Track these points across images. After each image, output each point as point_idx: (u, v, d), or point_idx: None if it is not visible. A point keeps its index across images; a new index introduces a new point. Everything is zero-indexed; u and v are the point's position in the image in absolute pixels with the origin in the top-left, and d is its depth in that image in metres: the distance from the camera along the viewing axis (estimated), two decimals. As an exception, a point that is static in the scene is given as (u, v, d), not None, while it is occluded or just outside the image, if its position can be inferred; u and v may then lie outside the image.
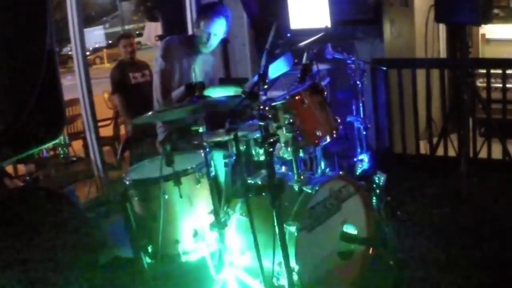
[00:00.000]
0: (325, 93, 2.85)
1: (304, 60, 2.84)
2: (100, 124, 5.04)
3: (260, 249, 2.23)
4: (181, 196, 2.75)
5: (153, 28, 7.06)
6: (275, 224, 2.13)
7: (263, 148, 2.12)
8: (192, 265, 2.88)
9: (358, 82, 3.47)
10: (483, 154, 4.52)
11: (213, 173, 2.65)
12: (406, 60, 4.86)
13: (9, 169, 4.71)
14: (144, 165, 3.13)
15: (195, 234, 2.80)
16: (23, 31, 2.82)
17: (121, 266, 3.38)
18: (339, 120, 2.85)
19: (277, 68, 3.00)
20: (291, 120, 2.55)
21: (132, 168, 3.15)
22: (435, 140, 4.62)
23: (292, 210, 2.48)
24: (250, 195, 2.32)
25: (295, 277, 2.31)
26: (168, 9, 5.52)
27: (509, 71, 4.57)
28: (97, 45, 26.96)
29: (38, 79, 2.87)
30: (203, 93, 2.75)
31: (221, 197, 2.80)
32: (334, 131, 2.77)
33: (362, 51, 4.77)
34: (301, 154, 2.68)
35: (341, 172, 2.83)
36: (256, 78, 2.41)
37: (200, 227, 2.80)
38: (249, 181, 2.69)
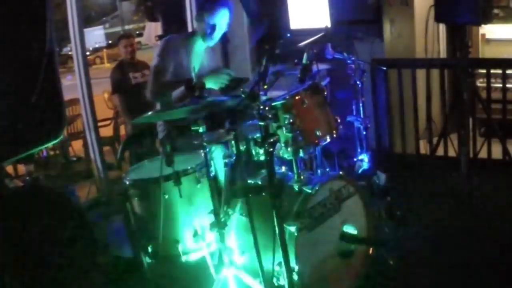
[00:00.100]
0: (325, 93, 2.85)
1: (304, 60, 2.83)
2: (100, 124, 5.04)
3: (260, 249, 2.24)
4: (181, 196, 2.75)
5: (153, 28, 7.05)
6: (275, 224, 2.13)
7: (263, 148, 2.12)
8: (192, 265, 2.87)
9: (358, 82, 3.48)
10: (483, 154, 4.52)
11: (213, 173, 2.65)
12: (406, 60, 4.86)
13: (9, 169, 4.71)
14: (144, 165, 3.13)
15: (195, 234, 2.80)
16: (23, 31, 2.83)
17: (121, 266, 3.38)
18: (339, 120, 2.85)
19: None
20: (291, 120, 2.55)
21: (132, 168, 3.15)
22: (435, 140, 4.62)
23: (292, 210, 2.48)
24: (250, 195, 2.32)
25: (295, 277, 2.32)
26: (168, 9, 5.52)
27: (509, 71, 4.57)
28: (97, 45, 26.97)
29: (38, 79, 2.87)
30: (203, 93, 2.75)
31: (221, 197, 2.80)
32: (334, 131, 2.77)
33: (362, 51, 4.76)
34: (301, 154, 2.68)
35: (341, 172, 2.83)
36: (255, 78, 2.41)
37: (200, 227, 2.80)
38: (249, 181, 2.69)
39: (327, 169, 3.13)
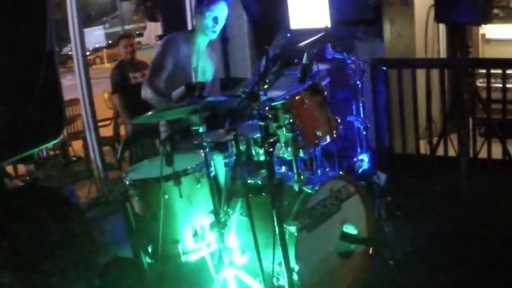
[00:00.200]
0: (325, 93, 2.85)
1: (304, 60, 2.83)
2: (100, 124, 5.04)
3: (260, 249, 2.23)
4: (181, 196, 2.75)
5: (153, 28, 7.05)
6: (275, 224, 2.13)
7: (263, 148, 2.12)
8: (192, 265, 2.87)
9: (358, 82, 3.48)
10: (483, 154, 4.52)
11: (213, 173, 2.65)
12: (406, 60, 4.86)
13: (9, 169, 4.71)
14: (144, 165, 3.13)
15: (195, 234, 2.80)
16: (23, 31, 2.82)
17: (121, 266, 3.37)
18: (339, 120, 2.85)
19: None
20: (291, 120, 2.55)
21: (132, 168, 3.14)
22: (435, 140, 4.62)
23: (292, 210, 2.48)
24: (250, 195, 2.32)
25: (295, 277, 2.31)
26: (168, 9, 5.52)
27: (509, 71, 4.57)
28: (97, 45, 26.98)
29: (38, 79, 2.87)
30: (203, 93, 2.75)
31: (221, 197, 2.80)
32: (334, 131, 2.77)
33: (362, 51, 4.76)
34: (301, 154, 2.68)
35: (341, 172, 2.83)
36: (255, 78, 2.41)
37: (200, 227, 2.80)
38: (249, 181, 2.69)
39: (327, 169, 3.13)
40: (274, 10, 5.10)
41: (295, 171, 2.66)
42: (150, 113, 2.78)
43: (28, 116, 2.82)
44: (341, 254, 2.68)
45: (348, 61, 3.46)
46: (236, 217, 2.72)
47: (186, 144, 3.11)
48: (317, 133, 2.67)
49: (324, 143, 2.76)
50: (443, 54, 5.67)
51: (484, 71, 4.62)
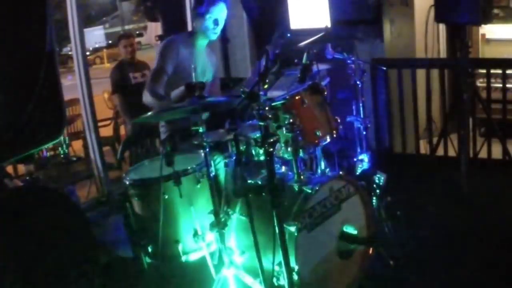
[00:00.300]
0: (325, 93, 2.85)
1: (304, 60, 2.83)
2: (100, 124, 5.04)
3: (260, 249, 2.23)
4: (181, 196, 2.75)
5: (153, 29, 7.06)
6: (275, 224, 2.13)
7: (263, 148, 2.12)
8: (192, 265, 2.87)
9: (358, 82, 3.47)
10: (483, 154, 4.52)
11: (213, 173, 2.65)
12: (406, 60, 4.86)
13: (9, 169, 4.71)
14: (144, 165, 3.13)
15: (195, 234, 2.80)
16: (23, 31, 2.82)
17: (121, 266, 3.38)
18: (339, 120, 2.85)
19: None
20: (291, 120, 2.55)
21: (132, 168, 3.15)
22: (435, 140, 4.63)
23: (292, 210, 2.48)
24: (250, 195, 2.32)
25: (295, 277, 2.31)
26: (168, 9, 5.52)
27: (509, 71, 4.57)
28: (97, 45, 26.99)
29: (38, 79, 2.87)
30: (203, 93, 2.75)
31: (221, 197, 2.80)
32: (334, 131, 2.77)
33: (362, 51, 4.76)
34: (301, 154, 2.68)
35: (341, 172, 2.83)
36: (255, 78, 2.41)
37: (200, 227, 2.80)
38: (249, 181, 2.69)
39: (327, 169, 3.13)
40: (274, 10, 5.10)
41: (295, 171, 2.66)
42: (150, 113, 2.78)
43: (28, 116, 2.82)
44: (341, 254, 2.68)
45: (348, 61, 3.45)
46: (236, 217, 2.72)
47: (186, 144, 3.11)
48: (317, 133, 2.67)
49: (324, 143, 2.76)
50: (443, 54, 5.67)
51: (484, 71, 4.62)
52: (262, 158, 2.65)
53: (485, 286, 2.87)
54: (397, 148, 4.97)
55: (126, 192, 2.94)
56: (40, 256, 2.79)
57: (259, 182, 2.69)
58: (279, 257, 2.18)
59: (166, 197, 2.75)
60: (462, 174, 3.96)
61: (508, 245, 3.20)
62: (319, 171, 3.01)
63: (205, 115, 2.65)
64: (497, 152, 4.44)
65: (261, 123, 2.14)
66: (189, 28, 5.20)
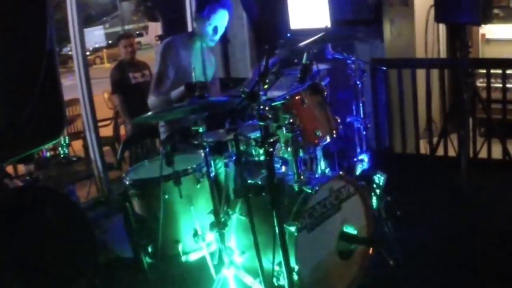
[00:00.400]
0: (325, 93, 2.84)
1: (304, 60, 2.83)
2: (100, 124, 5.04)
3: (260, 249, 2.23)
4: (181, 196, 2.75)
5: (154, 29, 7.07)
6: (275, 224, 2.12)
7: (263, 148, 2.12)
8: (192, 265, 2.87)
9: (358, 82, 3.47)
10: (483, 154, 4.52)
11: (213, 173, 2.65)
12: (406, 60, 4.86)
13: (9, 169, 4.71)
14: (144, 165, 3.13)
15: (195, 234, 2.80)
16: (23, 31, 2.82)
17: (121, 266, 3.37)
18: (339, 120, 2.85)
19: None
20: (291, 120, 2.55)
21: (132, 168, 3.14)
22: (435, 140, 4.63)
23: (292, 210, 2.48)
24: (250, 195, 2.32)
25: (295, 277, 2.31)
26: (168, 9, 5.52)
27: (509, 71, 4.58)
28: (97, 45, 27.01)
29: (38, 79, 2.87)
30: (203, 93, 2.75)
31: (221, 197, 2.80)
32: (334, 131, 2.77)
33: (362, 51, 4.77)
34: (301, 154, 2.67)
35: (341, 172, 2.82)
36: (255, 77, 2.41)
37: (200, 227, 2.80)
38: (249, 181, 2.69)
39: (327, 169, 3.13)
40: (274, 10, 5.10)
41: (295, 171, 2.66)
42: (150, 113, 2.78)
43: (28, 116, 2.82)
44: (341, 254, 2.68)
45: (348, 61, 3.45)
46: (236, 217, 2.72)
47: (186, 144, 3.11)
48: (317, 133, 2.66)
49: (324, 143, 2.76)
50: (443, 54, 5.68)
51: (484, 71, 4.62)
52: (262, 158, 2.65)
53: (485, 286, 2.87)
54: (397, 148, 4.97)
55: (126, 192, 2.94)
56: (40, 256, 2.79)
57: (259, 182, 2.69)
58: (279, 257, 2.18)
59: (166, 197, 2.75)
60: (462, 174, 3.96)
61: (509, 245, 3.20)
62: (319, 171, 3.01)
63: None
64: (497, 152, 4.44)
65: (261, 123, 2.14)
66: (189, 28, 5.21)
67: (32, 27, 2.85)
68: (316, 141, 2.68)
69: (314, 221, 2.53)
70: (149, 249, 2.86)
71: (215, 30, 3.27)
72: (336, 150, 3.22)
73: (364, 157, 3.51)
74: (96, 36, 28.05)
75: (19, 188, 3.24)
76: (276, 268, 2.34)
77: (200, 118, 2.56)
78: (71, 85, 5.93)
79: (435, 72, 4.76)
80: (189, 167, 2.84)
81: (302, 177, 2.65)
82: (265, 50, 2.39)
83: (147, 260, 2.91)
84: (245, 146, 2.67)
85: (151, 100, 3.28)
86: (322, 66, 3.17)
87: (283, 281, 2.26)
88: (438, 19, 4.05)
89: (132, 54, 5.71)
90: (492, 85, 4.54)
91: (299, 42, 3.25)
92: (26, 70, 2.85)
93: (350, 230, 2.70)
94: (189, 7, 5.25)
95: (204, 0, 3.29)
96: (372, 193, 3.31)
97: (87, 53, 10.15)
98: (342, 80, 3.65)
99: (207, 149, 2.58)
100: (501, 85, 4.52)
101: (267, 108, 2.17)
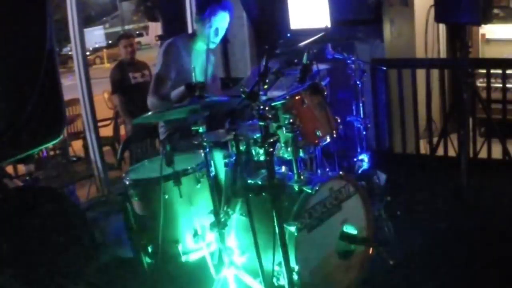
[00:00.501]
0: (325, 93, 2.85)
1: (304, 60, 2.83)
2: (100, 124, 5.04)
3: (260, 249, 2.23)
4: (181, 196, 2.75)
5: (154, 29, 7.07)
6: (275, 224, 2.13)
7: (263, 148, 2.12)
8: (192, 265, 2.87)
9: (358, 82, 3.48)
10: (483, 154, 4.52)
11: (213, 173, 2.65)
12: (406, 60, 4.86)
13: (9, 169, 4.71)
14: (144, 165, 3.13)
15: (195, 234, 2.80)
16: (23, 31, 2.82)
17: (121, 266, 3.38)
18: (339, 120, 2.85)
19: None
20: (291, 120, 2.55)
21: (132, 168, 3.15)
22: (435, 140, 4.63)
23: (292, 210, 2.48)
24: (250, 195, 2.32)
25: (295, 277, 2.31)
26: (168, 9, 5.52)
27: (509, 71, 4.57)
28: (97, 45, 27.02)
29: (38, 79, 2.87)
30: (203, 93, 2.75)
31: (221, 197, 2.80)
32: (334, 131, 2.77)
33: (362, 51, 4.77)
34: (301, 154, 2.67)
35: (341, 172, 2.83)
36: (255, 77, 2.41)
37: (200, 227, 2.80)
38: (249, 181, 2.69)
39: (327, 169, 3.13)
40: (274, 10, 5.10)
41: (295, 171, 2.66)
42: (150, 113, 2.78)
43: (28, 116, 2.82)
44: (341, 254, 2.68)
45: (348, 61, 3.46)
46: (236, 217, 2.72)
47: (186, 144, 3.11)
48: (317, 133, 2.66)
49: (324, 143, 2.76)
50: (443, 54, 5.67)
51: (484, 71, 4.62)
52: (262, 158, 2.65)
53: (486, 286, 2.87)
54: (397, 148, 4.97)
55: (126, 192, 2.94)
56: (40, 256, 2.79)
57: (259, 182, 2.69)
58: (279, 257, 2.18)
59: (166, 197, 2.75)
60: (462, 174, 3.96)
61: (509, 245, 3.20)
62: (319, 171, 3.01)
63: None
64: (497, 152, 4.44)
65: (261, 123, 2.14)
66: (189, 28, 5.21)
67: (32, 27, 2.85)
68: (316, 141, 2.68)
69: (314, 221, 2.53)
70: (149, 249, 2.86)
71: (216, 32, 3.27)
72: (336, 150, 3.22)
73: (364, 157, 3.52)
74: (96, 36, 28.06)
75: (19, 188, 3.23)
76: (276, 268, 2.35)
77: (200, 118, 2.56)
78: (71, 85, 5.92)
79: (435, 72, 4.76)
80: (189, 167, 2.84)
81: (302, 177, 2.65)
82: (265, 50, 2.39)
83: (147, 260, 2.91)
84: (245, 146, 2.67)
85: (151, 101, 3.27)
86: (322, 66, 3.18)
87: (283, 281, 2.26)
88: (438, 19, 4.05)
89: (132, 54, 5.71)
90: (492, 85, 4.54)
91: (299, 42, 3.25)
92: (26, 70, 2.85)
93: (350, 230, 2.70)
94: (189, 7, 5.25)
95: (205, 2, 3.29)
96: (372, 193, 3.31)
97: (87, 53, 10.15)
98: (342, 80, 3.65)
99: (207, 149, 2.59)
100: (501, 85, 4.52)
101: (267, 108, 2.17)
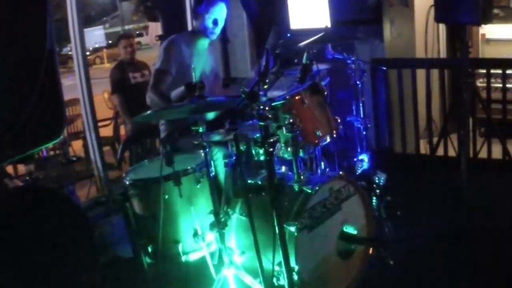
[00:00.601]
0: (325, 93, 2.85)
1: (304, 60, 2.83)
2: (100, 124, 5.04)
3: (260, 249, 2.23)
4: (181, 196, 2.75)
5: (154, 29, 7.07)
6: (275, 224, 2.12)
7: (263, 148, 2.12)
8: (192, 265, 2.87)
9: (358, 82, 3.47)
10: (483, 154, 4.52)
11: (213, 173, 2.65)
12: (406, 60, 4.86)
13: (9, 169, 4.71)
14: (144, 165, 3.13)
15: (195, 234, 2.80)
16: (23, 31, 2.82)
17: (121, 266, 3.37)
18: (339, 120, 2.85)
19: None
20: (291, 120, 2.55)
21: (132, 168, 3.15)
22: (435, 140, 4.63)
23: (292, 210, 2.48)
24: (250, 195, 2.32)
25: (295, 277, 2.31)
26: (168, 9, 5.52)
27: (509, 71, 4.57)
28: (97, 45, 27.02)
29: (38, 79, 2.87)
30: (203, 93, 2.75)
31: (221, 197, 2.80)
32: (334, 131, 2.77)
33: (362, 51, 4.77)
34: (301, 154, 2.67)
35: (341, 172, 2.82)
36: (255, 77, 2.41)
37: (200, 227, 2.80)
38: (249, 181, 2.69)
39: (327, 169, 3.13)
40: (274, 10, 5.10)
41: (295, 171, 2.66)
42: (149, 111, 2.78)
43: (28, 116, 2.82)
44: (341, 254, 2.68)
45: (348, 61, 3.46)
46: (236, 217, 2.72)
47: (186, 144, 3.11)
48: (317, 133, 2.67)
49: (324, 143, 2.76)
50: (443, 54, 5.67)
51: (484, 71, 4.62)
52: (262, 158, 2.65)
53: (486, 286, 2.87)
54: (397, 148, 4.97)
55: (126, 192, 2.94)
56: (39, 255, 2.79)
57: (259, 182, 2.69)
58: (279, 257, 2.18)
59: (166, 197, 2.75)
60: (462, 174, 3.96)
61: (509, 245, 3.20)
62: (319, 171, 3.01)
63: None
64: (497, 152, 4.44)
65: (261, 123, 2.14)
66: (189, 28, 5.20)
67: (32, 27, 2.85)
68: (316, 141, 2.68)
69: (314, 221, 2.53)
70: (149, 249, 2.86)
71: (215, 22, 3.29)
72: (336, 150, 3.22)
73: (364, 157, 3.52)
74: (96, 36, 28.06)
75: (19, 188, 3.24)
76: (276, 268, 2.34)
77: (201, 118, 2.56)
78: (71, 85, 5.93)
79: (435, 72, 4.75)
80: (189, 167, 2.84)
81: (302, 177, 2.65)
82: (265, 50, 2.39)
83: (147, 260, 2.91)
84: (245, 146, 2.67)
85: (150, 97, 3.27)
86: (322, 66, 3.18)
87: (283, 281, 2.26)
88: (438, 19, 4.05)
89: (132, 54, 5.71)
90: (492, 85, 4.53)
91: (299, 42, 3.25)
92: (26, 70, 2.85)
93: (350, 230, 2.70)
94: (189, 7, 5.25)
95: None
96: (372, 193, 3.31)
97: (87, 53, 10.15)
98: (342, 80, 3.65)
99: (207, 149, 2.59)
100: (501, 85, 4.52)
101: (267, 108, 2.17)
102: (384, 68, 4.55)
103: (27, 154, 3.05)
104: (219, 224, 2.58)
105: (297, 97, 2.65)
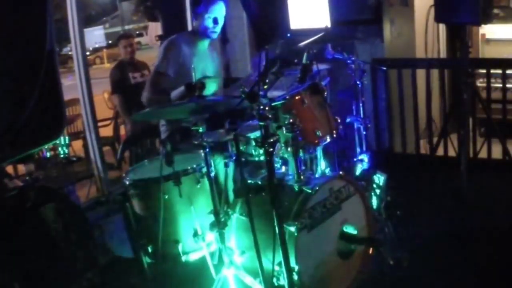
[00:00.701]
0: (325, 93, 2.85)
1: (304, 60, 2.83)
2: (100, 124, 5.04)
3: (260, 249, 2.23)
4: (181, 196, 2.75)
5: (154, 29, 7.07)
6: (275, 224, 2.13)
7: (263, 148, 2.12)
8: (192, 265, 2.87)
9: (358, 82, 3.48)
10: (483, 154, 4.52)
11: (213, 173, 2.65)
12: (406, 60, 4.86)
13: (9, 169, 4.71)
14: (144, 165, 3.13)
15: (195, 234, 2.80)
16: (23, 31, 2.82)
17: (121, 266, 3.37)
18: (339, 120, 2.85)
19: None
20: (291, 120, 2.55)
21: (132, 168, 3.15)
22: (435, 140, 4.63)
23: (292, 210, 2.48)
24: (250, 195, 2.32)
25: (295, 277, 2.31)
26: (168, 9, 5.52)
27: (509, 71, 4.57)
28: (97, 45, 27.00)
29: (38, 79, 2.87)
30: (203, 93, 2.75)
31: (221, 197, 2.80)
32: (334, 131, 2.77)
33: (362, 51, 4.77)
34: (301, 154, 2.68)
35: (341, 172, 2.83)
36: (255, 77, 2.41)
37: (200, 227, 2.80)
38: (249, 181, 2.69)
39: (327, 169, 3.13)
40: (274, 10, 5.10)
41: (295, 171, 2.66)
42: (148, 109, 2.78)
43: (28, 116, 2.82)
44: (341, 254, 2.68)
45: (348, 61, 3.46)
46: (236, 217, 2.72)
47: (186, 144, 3.11)
48: (317, 133, 2.67)
49: (324, 143, 2.76)
50: (443, 54, 5.67)
51: (484, 71, 4.62)
52: (262, 158, 2.65)
53: (486, 286, 2.87)
54: (397, 148, 4.97)
55: (126, 192, 2.94)
56: (39, 256, 2.79)
57: (259, 182, 2.69)
58: (279, 257, 2.18)
59: (166, 197, 2.75)
60: (462, 174, 3.96)
61: (508, 245, 3.20)
62: (319, 171, 3.01)
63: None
64: (497, 152, 4.44)
65: (261, 123, 2.14)
66: (189, 28, 5.20)
67: (32, 27, 2.84)
68: (316, 141, 2.68)
69: (314, 221, 2.53)
70: (149, 249, 2.86)
71: (215, 21, 3.29)
72: (336, 150, 3.22)
73: (364, 157, 3.52)
74: (96, 36, 28.04)
75: (19, 188, 3.23)
76: (276, 268, 2.35)
77: (201, 118, 2.56)
78: (71, 85, 5.91)
79: (435, 72, 4.76)
80: (189, 167, 2.84)
81: (302, 177, 2.65)
82: (265, 50, 2.39)
83: (147, 260, 2.91)
84: (245, 146, 2.67)
85: (145, 96, 3.28)
86: (322, 66, 3.18)
87: (283, 281, 2.26)
88: (438, 19, 4.05)
89: (132, 54, 5.71)
90: (492, 85, 4.54)
91: (299, 42, 3.25)
92: (26, 70, 2.85)
93: (350, 230, 2.70)
94: (189, 7, 5.25)
95: None
96: (372, 193, 3.31)
97: (87, 53, 10.14)
98: (342, 80, 3.65)
99: (207, 149, 2.59)
100: (501, 85, 4.52)
101: (267, 108, 2.17)
102: (384, 68, 4.55)
103: (27, 154, 3.05)
104: (219, 224, 2.58)
105: (297, 97, 2.65)
